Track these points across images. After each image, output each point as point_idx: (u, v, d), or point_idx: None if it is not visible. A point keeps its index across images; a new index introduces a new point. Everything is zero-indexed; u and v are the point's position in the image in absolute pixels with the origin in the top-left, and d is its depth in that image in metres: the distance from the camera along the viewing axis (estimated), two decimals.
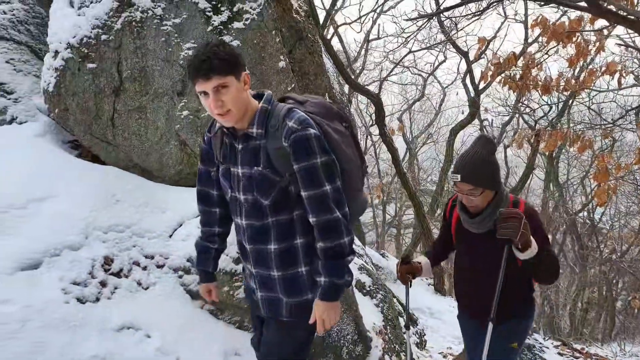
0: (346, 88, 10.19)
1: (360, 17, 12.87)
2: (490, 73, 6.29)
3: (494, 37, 12.14)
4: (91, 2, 3.77)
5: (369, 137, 17.89)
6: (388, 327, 4.41)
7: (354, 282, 4.48)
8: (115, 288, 3.33)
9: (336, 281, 1.92)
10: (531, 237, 2.25)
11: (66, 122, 3.96)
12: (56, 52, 3.80)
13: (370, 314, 4.34)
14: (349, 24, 13.37)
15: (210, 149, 2.08)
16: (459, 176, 2.39)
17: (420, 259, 2.89)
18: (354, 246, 2.00)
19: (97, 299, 3.21)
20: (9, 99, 4.07)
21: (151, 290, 3.46)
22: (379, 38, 14.73)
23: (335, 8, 12.37)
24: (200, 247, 2.27)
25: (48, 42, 3.87)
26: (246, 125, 1.91)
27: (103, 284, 3.30)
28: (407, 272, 2.81)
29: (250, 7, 3.90)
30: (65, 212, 3.49)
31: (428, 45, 13.45)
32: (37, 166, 3.77)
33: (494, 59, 6.56)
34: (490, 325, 2.40)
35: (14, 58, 4.22)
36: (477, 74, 11.87)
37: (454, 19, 9.92)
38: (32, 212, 3.46)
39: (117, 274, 3.40)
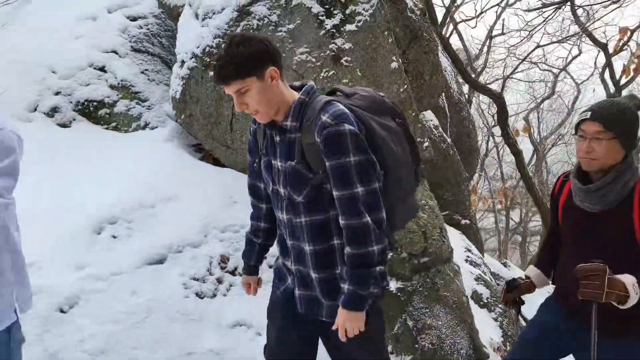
0: (466, 88, 9.75)
1: (479, 14, 12.24)
2: (633, 66, 5.62)
3: (639, 26, 10.81)
4: (213, 13, 3.99)
5: (491, 138, 16.98)
6: (507, 343, 4.10)
7: (469, 293, 4.23)
8: (231, 285, 3.47)
9: (359, 291, 1.77)
10: (627, 284, 1.79)
11: (191, 127, 4.23)
12: (182, 62, 4.08)
13: (488, 329, 4.06)
14: (467, 20, 12.77)
15: (256, 140, 2.04)
16: (589, 113, 1.97)
17: (529, 271, 2.46)
18: (385, 255, 1.81)
19: (214, 295, 3.37)
20: (143, 106, 4.46)
21: (263, 289, 3.56)
22: (503, 34, 13.88)
23: (456, 4, 11.89)
24: (247, 239, 2.26)
25: (176, 52, 4.17)
26: (282, 117, 1.84)
27: (219, 280, 3.46)
28: (515, 298, 2.45)
29: (363, 9, 3.85)
30: (187, 212, 3.72)
31: (559, 38, 12.39)
32: (164, 168, 4.08)
33: (638, 50, 5.85)
34: (595, 337, 1.88)
35: (148, 69, 4.62)
36: (617, 68, 10.69)
37: (588, 8, 9.01)
38: (159, 211, 3.74)
39: (232, 272, 3.55)
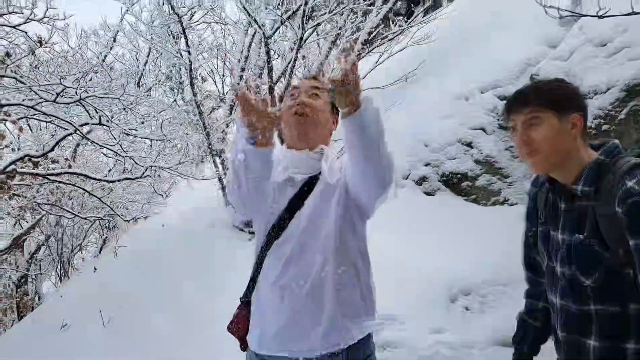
0: None
1: None
2: None
3: None
4: (595, 93, 3.80)
5: None
6: None
7: None
8: None
9: None
10: None
11: None
12: None
13: None
14: None
15: (534, 205, 1.70)
16: None
17: None
18: None
19: None
20: (504, 182, 4.55)
21: None
22: None
23: None
24: (519, 321, 1.83)
25: None
26: (572, 179, 1.50)
27: None
28: None
29: None
30: None
31: None
32: (517, 249, 4.01)
33: None
34: None
35: (512, 146, 4.67)
36: None
37: None
38: (513, 291, 3.67)
39: None
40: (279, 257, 1.68)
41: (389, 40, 6.66)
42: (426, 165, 4.86)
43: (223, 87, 15.98)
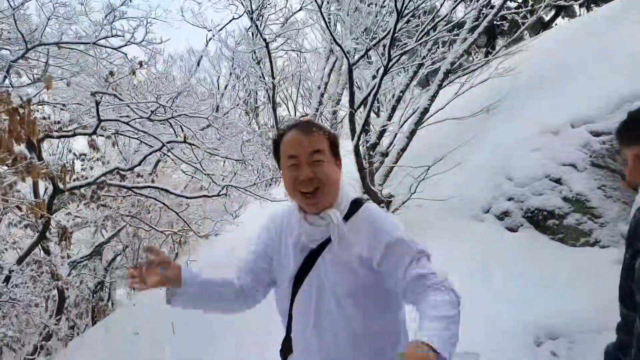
0: None
1: None
2: None
3: None
4: None
5: None
6: None
7: None
8: None
9: None
10: None
11: None
12: None
13: None
14: None
15: (637, 227, 1.61)
16: None
17: None
18: None
19: None
20: (596, 223, 4.28)
21: None
22: None
23: None
24: (609, 356, 1.73)
25: None
26: None
27: None
28: None
29: None
30: None
31: None
32: (614, 294, 3.72)
33: None
34: None
35: (606, 185, 4.43)
36: None
37: None
38: (606, 339, 3.41)
39: None
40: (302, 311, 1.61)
41: (471, 71, 6.56)
42: (509, 199, 4.67)
43: (295, 113, 16.37)
